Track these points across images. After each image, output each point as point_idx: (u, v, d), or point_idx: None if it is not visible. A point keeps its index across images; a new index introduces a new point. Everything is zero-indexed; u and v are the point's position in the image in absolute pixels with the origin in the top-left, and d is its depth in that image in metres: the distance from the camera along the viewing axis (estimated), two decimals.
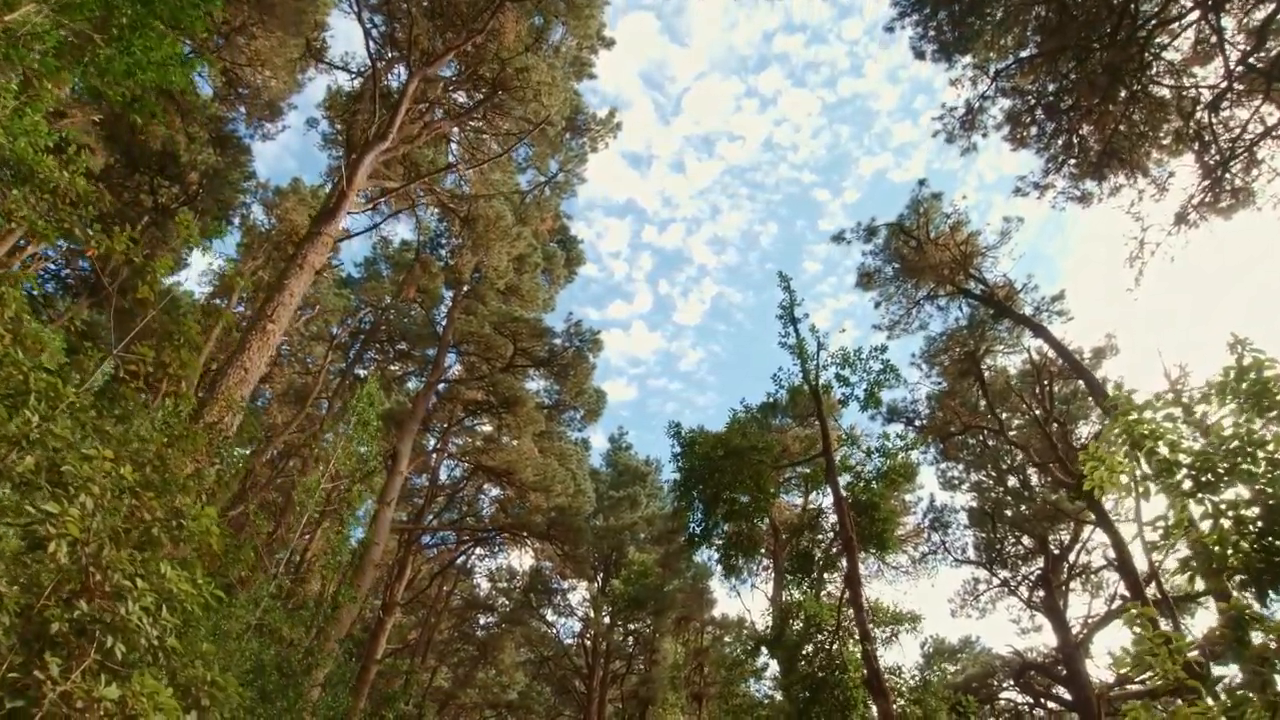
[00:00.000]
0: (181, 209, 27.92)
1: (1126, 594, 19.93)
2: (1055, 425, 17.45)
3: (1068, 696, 18.70)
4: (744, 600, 79.01)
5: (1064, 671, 18.63)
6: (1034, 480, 22.46)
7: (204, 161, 26.30)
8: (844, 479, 12.71)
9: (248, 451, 9.29)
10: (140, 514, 5.41)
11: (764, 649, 14.85)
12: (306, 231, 15.77)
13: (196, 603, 5.50)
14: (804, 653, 12.54)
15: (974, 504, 23.30)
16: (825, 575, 13.72)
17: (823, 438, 12.61)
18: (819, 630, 12.65)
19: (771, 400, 13.44)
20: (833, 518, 13.63)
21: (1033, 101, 16.95)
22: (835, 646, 12.11)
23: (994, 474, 22.41)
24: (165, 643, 5.17)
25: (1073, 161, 16.54)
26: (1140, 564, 14.50)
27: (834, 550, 13.41)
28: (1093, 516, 17.16)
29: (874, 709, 10.18)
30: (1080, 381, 19.47)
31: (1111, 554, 21.02)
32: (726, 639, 32.90)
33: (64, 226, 7.71)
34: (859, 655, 12.60)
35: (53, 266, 25.91)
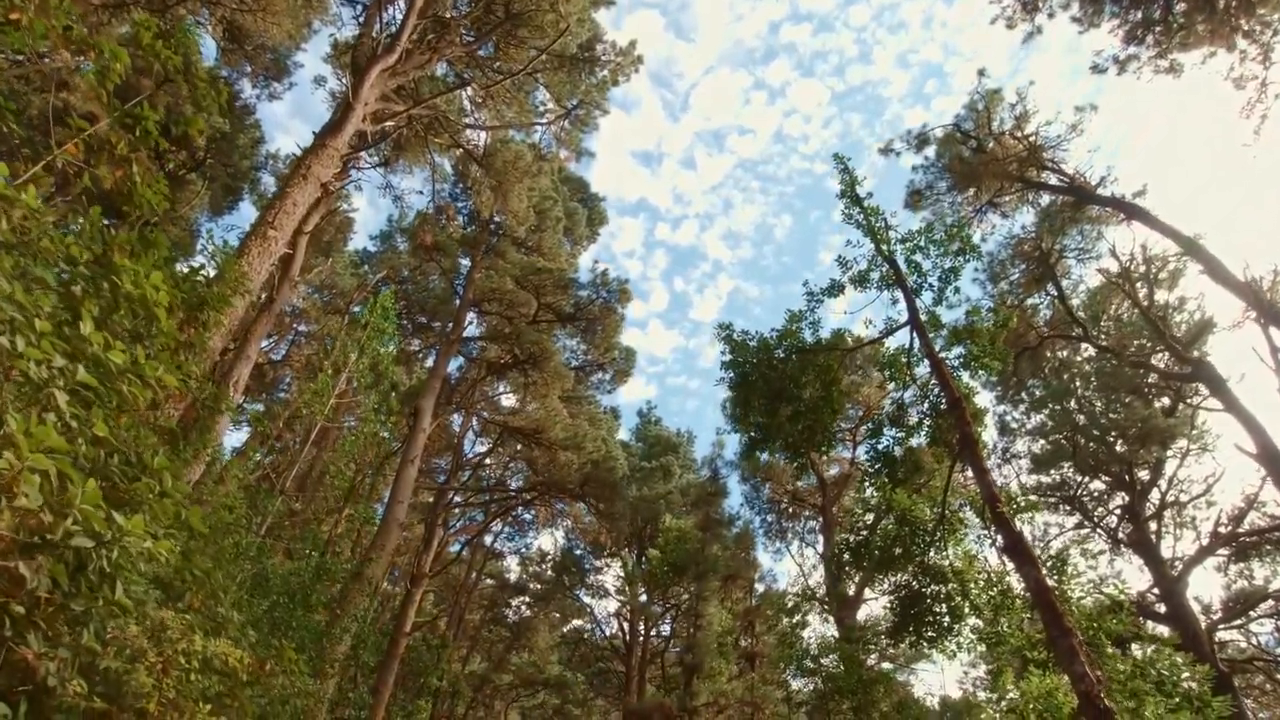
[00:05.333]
0: (190, 175, 27.14)
1: (1242, 509, 18.02)
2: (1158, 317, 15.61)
3: (1166, 636, 16.85)
4: (792, 555, 77.18)
5: (1163, 609, 16.79)
6: (1105, 415, 20.54)
7: (211, 125, 25.29)
8: (926, 369, 11.14)
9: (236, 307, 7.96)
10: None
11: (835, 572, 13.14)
12: (310, 144, 14.59)
13: (138, 390, 4.07)
14: (896, 554, 10.90)
15: (1039, 443, 21.48)
16: (913, 478, 12.07)
17: (908, 303, 11.01)
18: (913, 531, 11.00)
19: (838, 284, 11.86)
20: (914, 417, 12.01)
21: None
22: (935, 543, 10.44)
23: (1059, 410, 20.51)
24: (91, 426, 3.74)
25: (1158, 28, 14.71)
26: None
27: (924, 443, 11.74)
28: (1213, 403, 15.28)
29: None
30: (1168, 294, 17.62)
31: (1206, 480, 19.10)
32: (769, 613, 31.29)
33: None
34: (962, 557, 11.07)
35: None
